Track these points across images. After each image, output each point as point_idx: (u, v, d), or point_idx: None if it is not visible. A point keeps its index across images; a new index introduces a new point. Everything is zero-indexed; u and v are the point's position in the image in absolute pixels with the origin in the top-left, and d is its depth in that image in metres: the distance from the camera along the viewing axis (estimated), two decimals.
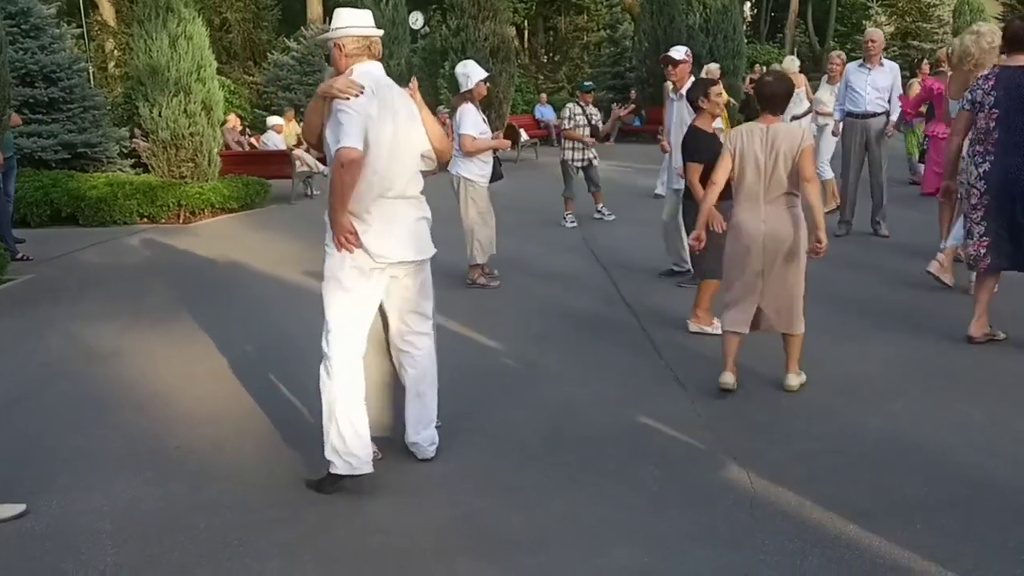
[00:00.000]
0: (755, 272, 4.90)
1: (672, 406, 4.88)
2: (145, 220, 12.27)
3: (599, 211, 11.04)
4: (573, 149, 10.82)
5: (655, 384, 5.24)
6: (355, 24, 4.00)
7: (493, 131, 8.56)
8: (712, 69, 12.64)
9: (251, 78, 22.00)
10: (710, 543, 3.44)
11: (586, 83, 12.05)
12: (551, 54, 39.64)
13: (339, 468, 3.95)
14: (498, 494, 3.95)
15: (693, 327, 6.15)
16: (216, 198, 12.72)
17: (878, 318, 6.23)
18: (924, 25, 32.71)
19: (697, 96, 6.37)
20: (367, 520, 3.76)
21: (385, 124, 3.87)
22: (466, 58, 18.22)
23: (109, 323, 7.05)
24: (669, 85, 12.54)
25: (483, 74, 7.58)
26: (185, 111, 12.71)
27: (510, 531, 3.63)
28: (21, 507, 3.86)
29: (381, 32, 4.12)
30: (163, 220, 12.30)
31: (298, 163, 14.47)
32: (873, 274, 7.54)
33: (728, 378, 4.98)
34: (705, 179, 5.60)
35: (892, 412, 4.62)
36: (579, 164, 10.82)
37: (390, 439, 4.32)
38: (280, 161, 14.60)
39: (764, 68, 23.19)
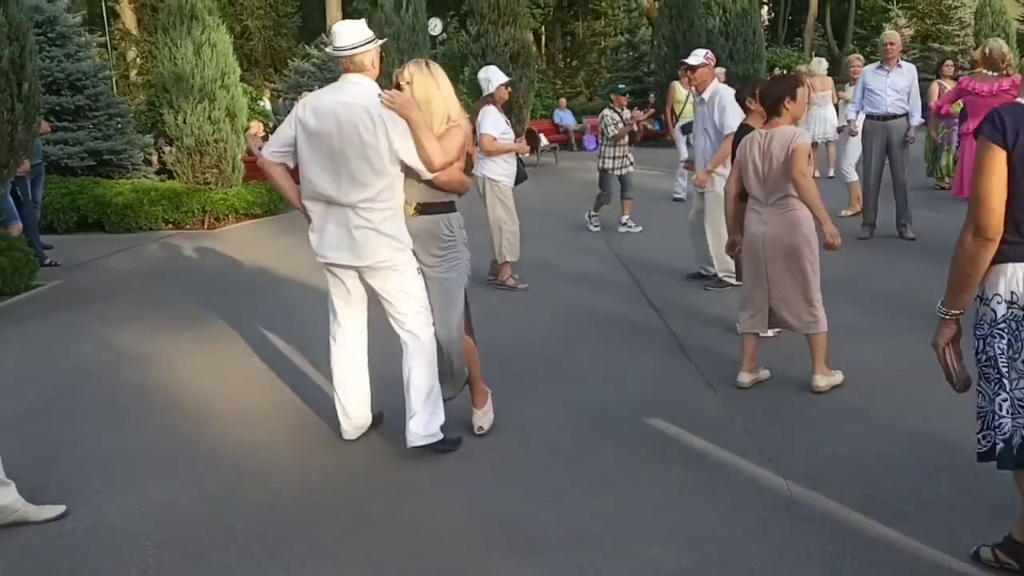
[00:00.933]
0: (760, 273, 5.03)
1: (703, 408, 4.88)
2: (170, 226, 12.36)
3: (624, 223, 10.65)
4: (613, 158, 10.38)
5: (685, 386, 5.23)
6: (334, 43, 4.23)
7: (516, 136, 8.56)
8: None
9: (272, 85, 22.11)
10: (749, 544, 3.43)
11: (620, 86, 11.94)
12: (569, 59, 39.63)
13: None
14: (532, 494, 3.95)
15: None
16: (240, 204, 12.80)
17: (909, 318, 6.19)
18: (944, 27, 32.49)
19: (745, 96, 6.38)
20: (403, 520, 3.78)
21: (321, 137, 4.15)
22: (487, 63, 18.39)
23: (138, 327, 7.11)
24: (676, 85, 12.38)
25: (504, 78, 7.62)
26: (209, 118, 12.79)
27: (545, 531, 3.63)
28: (61, 508, 3.89)
29: (351, 45, 4.19)
30: (188, 226, 12.39)
31: None
32: (902, 275, 7.50)
33: (744, 377, 5.07)
34: None
35: (926, 414, 4.59)
36: (619, 172, 10.45)
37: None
38: None
39: (784, 71, 23.13)
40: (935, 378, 5.02)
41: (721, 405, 4.91)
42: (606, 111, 10.69)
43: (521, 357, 5.87)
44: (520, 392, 5.21)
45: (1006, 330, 2.79)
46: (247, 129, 14.69)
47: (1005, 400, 2.81)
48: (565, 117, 23.19)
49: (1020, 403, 2.79)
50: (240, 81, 13.88)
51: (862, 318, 6.25)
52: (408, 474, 4.23)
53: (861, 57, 10.86)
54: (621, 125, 10.37)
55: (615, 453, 4.35)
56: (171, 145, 13.50)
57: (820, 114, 13.03)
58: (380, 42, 4.24)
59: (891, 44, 8.87)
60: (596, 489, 3.99)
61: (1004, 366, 2.81)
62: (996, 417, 2.84)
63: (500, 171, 7.61)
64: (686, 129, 10.30)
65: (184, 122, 12.73)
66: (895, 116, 8.71)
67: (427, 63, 4.38)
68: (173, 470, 4.38)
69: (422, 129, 4.09)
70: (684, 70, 7.88)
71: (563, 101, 24.17)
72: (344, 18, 29.62)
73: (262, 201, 13.22)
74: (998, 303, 2.81)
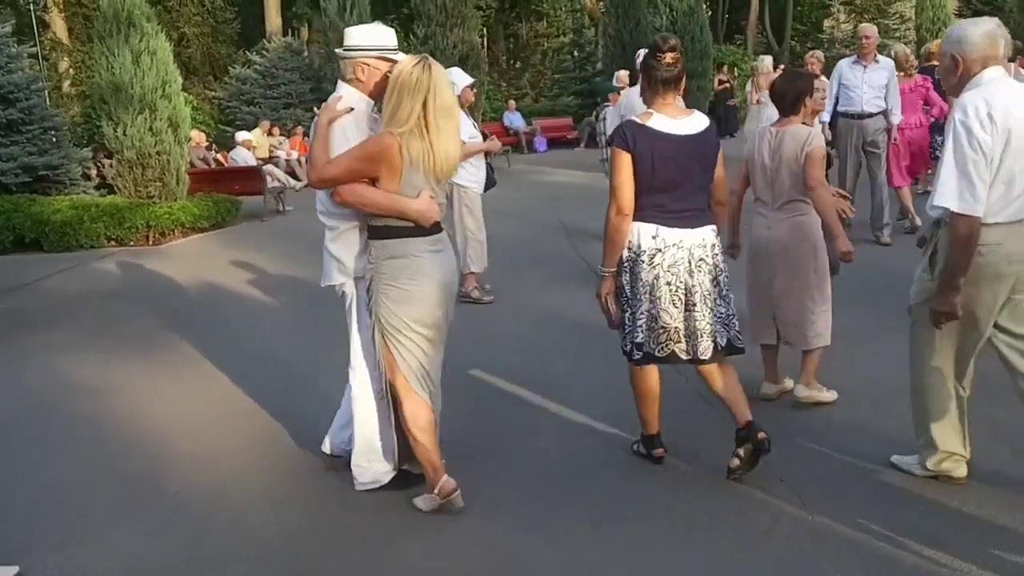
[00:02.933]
0: (764, 280, 4.74)
1: (702, 426, 4.61)
2: (112, 243, 11.83)
3: None
4: None
5: (679, 402, 4.94)
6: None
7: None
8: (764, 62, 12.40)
9: (213, 93, 21.53)
10: None
11: (613, 84, 11.73)
12: (512, 61, 39.44)
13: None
14: (532, 530, 3.67)
15: None
16: (186, 217, 12.31)
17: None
18: (883, 22, 32.92)
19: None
20: (399, 566, 3.47)
21: None
22: None
23: (88, 354, 6.68)
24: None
25: (469, 80, 7.32)
26: (151, 129, 12.26)
27: (549, 570, 3.35)
28: (14, 569, 3.51)
29: (342, 49, 3.95)
30: (132, 242, 11.87)
31: (269, 179, 14.09)
32: (898, 279, 7.33)
33: (768, 388, 4.87)
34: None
35: None
36: None
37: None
38: (250, 177, 14.21)
39: (734, 69, 23.22)
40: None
41: (719, 421, 4.64)
42: (607, 109, 10.21)
43: (504, 380, 5.56)
44: (504, 416, 4.93)
45: (628, 268, 3.89)
46: (189, 140, 14.20)
47: (642, 316, 3.86)
48: (514, 119, 22.94)
49: (644, 318, 3.86)
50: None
51: (854, 322, 6.06)
52: (397, 512, 3.91)
53: (820, 54, 10.63)
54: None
55: (617, 481, 4.07)
56: (110, 158, 12.98)
57: (767, 113, 12.90)
58: (366, 53, 3.84)
59: (867, 38, 8.52)
60: (600, 520, 3.72)
61: (629, 292, 3.91)
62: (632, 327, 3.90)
63: (469, 176, 7.31)
64: None
65: (124, 134, 12.19)
66: (871, 114, 8.40)
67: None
68: (138, 517, 4.01)
69: (319, 132, 3.74)
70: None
71: (512, 103, 23.92)
72: (285, 24, 29.04)
73: (209, 214, 12.75)
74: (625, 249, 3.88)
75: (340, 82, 3.95)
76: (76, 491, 4.32)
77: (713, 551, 3.41)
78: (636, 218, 3.83)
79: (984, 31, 3.44)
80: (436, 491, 3.80)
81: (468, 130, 7.22)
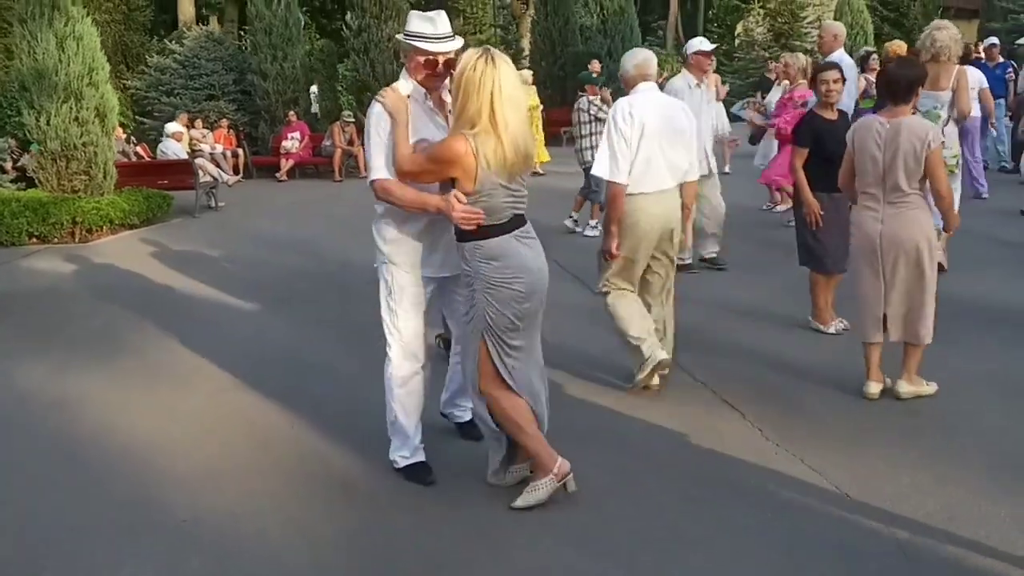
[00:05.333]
0: (875, 274, 4.61)
1: (738, 436, 4.38)
2: (35, 240, 11.05)
3: (575, 220, 9.80)
4: (592, 148, 9.01)
5: (706, 411, 4.71)
6: None
7: None
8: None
9: (127, 83, 20.51)
10: None
11: (591, 74, 10.81)
12: None
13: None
14: (598, 555, 3.38)
15: (813, 324, 5.93)
16: (116, 213, 11.58)
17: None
18: (797, 26, 33.60)
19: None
20: None
21: None
22: (368, 59, 17.58)
23: (37, 361, 6.10)
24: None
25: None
26: (77, 119, 11.51)
27: None
28: None
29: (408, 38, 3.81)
30: (56, 239, 11.11)
31: (201, 173, 13.40)
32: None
33: (872, 387, 4.69)
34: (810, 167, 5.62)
35: (980, 428, 4.27)
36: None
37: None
38: (181, 171, 13.52)
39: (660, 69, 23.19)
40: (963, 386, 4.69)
41: (756, 430, 4.44)
42: (582, 100, 9.53)
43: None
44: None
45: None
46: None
47: None
48: None
49: None
50: None
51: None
52: (440, 536, 3.57)
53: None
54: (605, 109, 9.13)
55: (675, 501, 3.78)
56: (27, 150, 12.16)
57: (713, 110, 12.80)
58: (406, 38, 3.74)
59: (822, 37, 8.56)
60: (666, 540, 3.46)
61: None
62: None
63: None
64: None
65: (47, 124, 11.41)
66: None
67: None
68: (147, 548, 3.58)
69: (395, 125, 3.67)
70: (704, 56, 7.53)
71: None
72: (198, 11, 27.89)
73: (140, 210, 12.06)
74: None
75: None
76: (66, 521, 3.85)
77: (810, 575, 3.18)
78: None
79: (639, 60, 4.90)
80: (555, 471, 3.65)
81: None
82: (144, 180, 13.17)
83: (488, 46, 3.48)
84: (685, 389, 5.02)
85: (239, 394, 5.30)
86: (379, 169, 3.73)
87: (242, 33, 22.40)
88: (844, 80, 5.93)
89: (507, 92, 3.36)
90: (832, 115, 5.79)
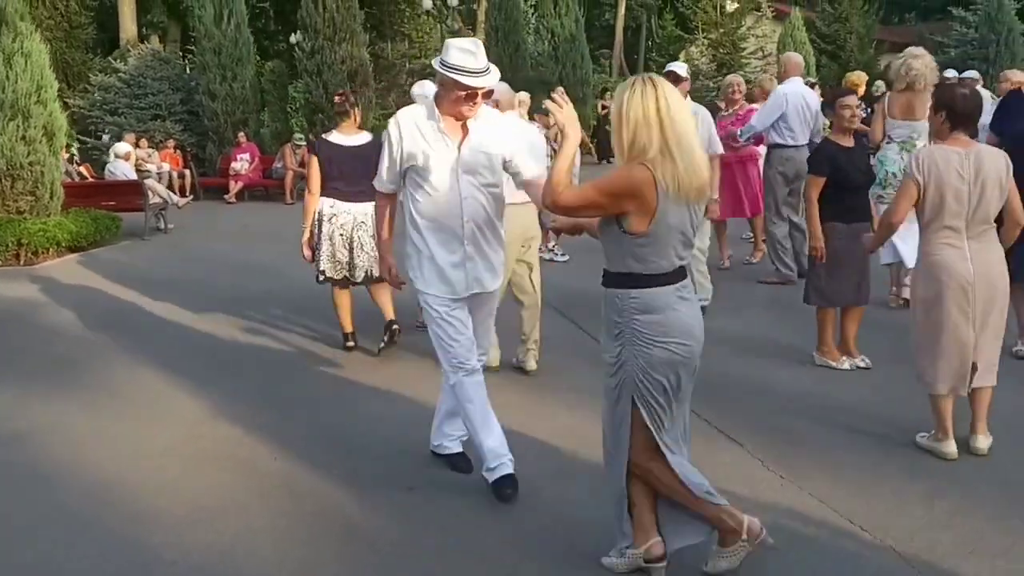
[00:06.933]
0: (965, 318, 4.17)
1: (739, 469, 4.30)
2: None
3: (551, 249, 9.66)
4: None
5: (704, 443, 4.61)
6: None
7: None
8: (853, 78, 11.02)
9: (68, 101, 19.96)
10: None
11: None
12: (378, 80, 38.79)
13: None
14: None
15: (818, 360, 5.77)
16: (63, 235, 11.19)
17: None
18: (737, 55, 34.20)
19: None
20: None
21: None
22: (321, 81, 17.38)
23: None
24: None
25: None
26: (24, 137, 11.13)
27: None
28: None
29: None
30: (0, 262, 10.69)
31: (150, 194, 13.05)
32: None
33: (952, 447, 4.28)
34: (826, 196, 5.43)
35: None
36: None
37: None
38: (130, 192, 13.14)
39: (611, 96, 23.38)
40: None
41: (758, 462, 4.37)
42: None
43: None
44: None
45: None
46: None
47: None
48: None
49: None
50: None
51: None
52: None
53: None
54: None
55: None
56: None
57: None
58: (452, 75, 3.75)
59: (786, 67, 8.63)
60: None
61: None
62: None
63: None
64: None
65: None
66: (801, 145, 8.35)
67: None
68: None
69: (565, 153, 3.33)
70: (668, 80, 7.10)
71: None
72: (140, 29, 27.38)
73: (88, 232, 11.68)
74: None
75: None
76: (46, 567, 3.61)
77: None
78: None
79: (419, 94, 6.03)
80: (744, 535, 3.19)
81: None
82: (91, 201, 12.80)
83: (645, 75, 3.13)
84: None
85: (216, 426, 5.08)
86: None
87: (186, 53, 22.03)
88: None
89: (677, 114, 3.04)
90: (848, 142, 5.64)
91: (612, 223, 3.10)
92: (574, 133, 3.19)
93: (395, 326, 6.26)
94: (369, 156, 5.52)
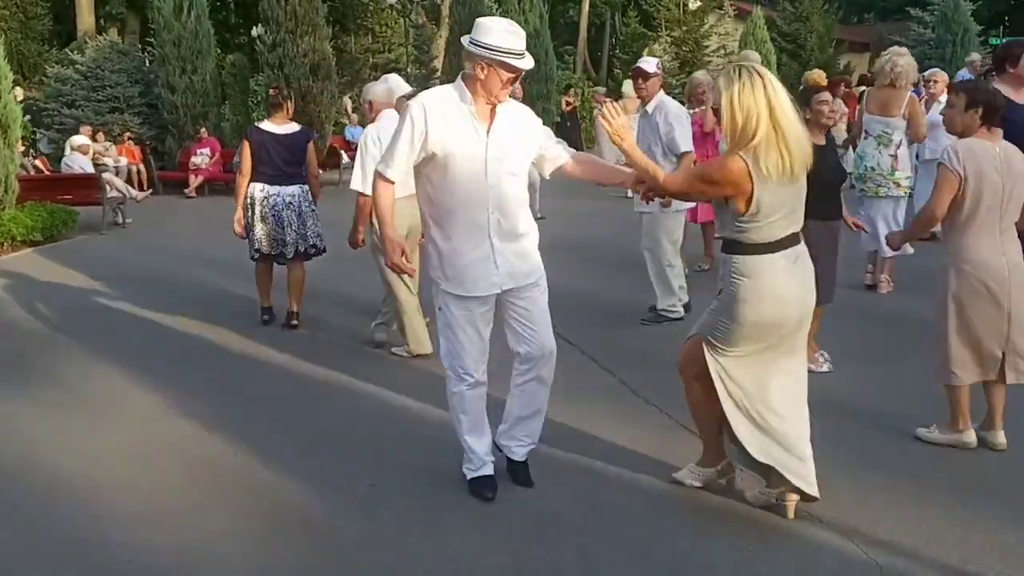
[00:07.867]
0: (999, 311, 4.14)
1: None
2: None
3: None
4: None
5: (661, 434, 4.62)
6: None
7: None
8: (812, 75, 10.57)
9: (26, 93, 19.63)
10: None
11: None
12: (341, 74, 38.54)
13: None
14: None
15: None
16: (18, 229, 11.03)
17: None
18: (699, 54, 34.41)
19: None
20: None
21: None
22: (283, 75, 17.20)
23: None
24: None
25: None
26: None
27: None
28: None
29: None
30: None
31: (108, 188, 12.85)
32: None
33: (970, 436, 4.31)
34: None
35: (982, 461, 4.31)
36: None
37: None
38: (87, 186, 12.94)
39: (575, 92, 23.44)
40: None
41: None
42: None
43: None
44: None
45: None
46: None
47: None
48: (357, 133, 22.23)
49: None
50: None
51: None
52: (411, 570, 3.41)
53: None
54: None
55: (647, 530, 3.70)
56: None
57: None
58: (501, 57, 3.53)
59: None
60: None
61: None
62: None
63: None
64: None
65: None
66: None
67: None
68: None
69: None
70: (637, 77, 6.73)
71: (355, 117, 23.20)
72: (97, 21, 27.09)
73: (44, 226, 11.49)
74: None
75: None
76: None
77: None
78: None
79: (382, 90, 6.17)
80: (718, 468, 3.93)
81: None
82: (47, 195, 12.55)
83: (744, 65, 3.43)
84: (640, 415, 4.96)
85: (173, 423, 5.02)
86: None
87: (145, 45, 21.75)
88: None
89: (784, 108, 3.37)
90: (821, 139, 5.32)
91: (722, 200, 3.53)
92: (630, 137, 3.66)
93: (295, 321, 6.86)
94: (297, 144, 6.79)
